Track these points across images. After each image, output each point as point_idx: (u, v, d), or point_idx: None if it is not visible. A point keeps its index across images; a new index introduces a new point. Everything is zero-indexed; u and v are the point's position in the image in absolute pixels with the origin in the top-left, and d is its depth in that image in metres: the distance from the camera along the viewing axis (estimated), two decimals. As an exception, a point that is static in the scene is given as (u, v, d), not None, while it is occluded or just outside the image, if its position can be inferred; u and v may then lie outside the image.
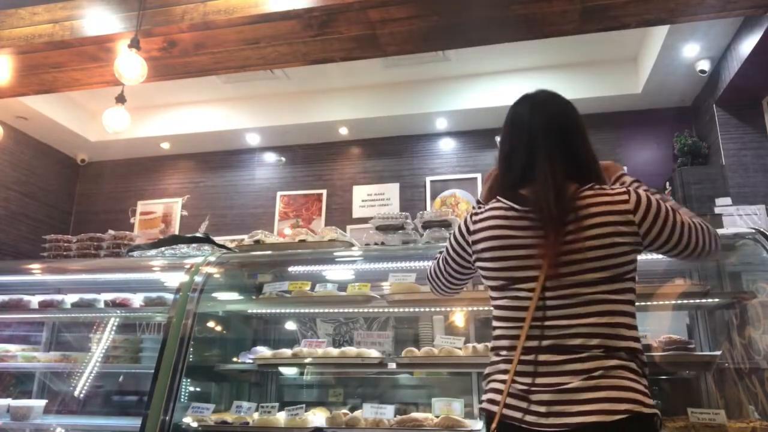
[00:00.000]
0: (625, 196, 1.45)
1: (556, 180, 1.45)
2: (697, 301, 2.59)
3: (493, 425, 1.39)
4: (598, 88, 6.08)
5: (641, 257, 1.52)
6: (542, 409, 1.33)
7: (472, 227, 1.59)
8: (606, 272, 1.40)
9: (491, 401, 1.44)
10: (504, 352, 1.48)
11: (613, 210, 1.43)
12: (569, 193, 1.46)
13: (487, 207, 1.59)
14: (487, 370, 1.53)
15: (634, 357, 1.39)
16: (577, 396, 1.32)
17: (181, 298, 2.83)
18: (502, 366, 1.46)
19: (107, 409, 3.29)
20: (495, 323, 1.54)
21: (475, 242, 1.58)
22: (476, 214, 1.60)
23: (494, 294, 1.55)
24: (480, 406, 1.53)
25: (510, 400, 1.39)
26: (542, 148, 1.50)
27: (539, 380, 1.37)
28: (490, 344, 1.59)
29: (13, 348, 3.36)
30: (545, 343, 1.39)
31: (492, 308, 1.58)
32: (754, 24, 4.47)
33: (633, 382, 1.35)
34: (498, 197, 1.58)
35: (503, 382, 1.42)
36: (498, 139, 1.66)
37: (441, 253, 1.75)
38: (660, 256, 1.59)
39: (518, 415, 1.36)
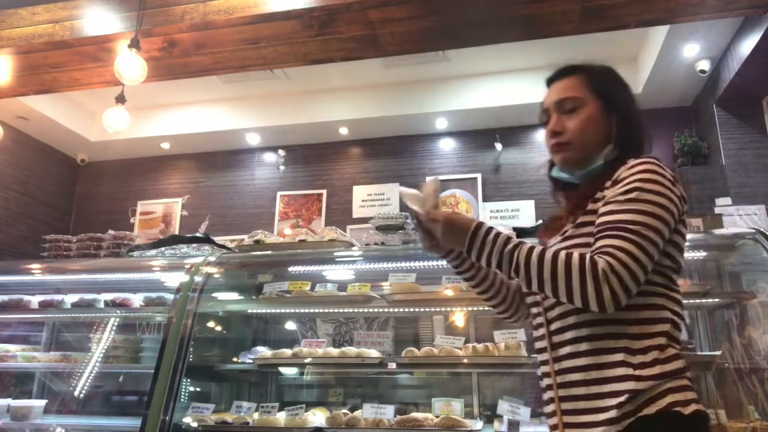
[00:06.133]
0: None
1: None
2: (697, 301, 2.60)
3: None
4: (598, 88, 6.07)
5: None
6: None
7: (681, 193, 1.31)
8: None
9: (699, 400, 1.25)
10: (681, 344, 1.32)
11: None
12: None
13: None
14: (676, 365, 1.24)
15: None
16: None
17: (181, 298, 2.83)
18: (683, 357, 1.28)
19: (107, 409, 3.30)
20: (675, 308, 1.31)
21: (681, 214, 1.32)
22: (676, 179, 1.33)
23: (676, 277, 1.35)
24: (682, 399, 1.20)
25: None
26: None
27: None
28: (661, 336, 1.26)
29: (13, 348, 3.36)
30: None
31: (669, 295, 1.32)
32: (754, 24, 4.46)
33: None
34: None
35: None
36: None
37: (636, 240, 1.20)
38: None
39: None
